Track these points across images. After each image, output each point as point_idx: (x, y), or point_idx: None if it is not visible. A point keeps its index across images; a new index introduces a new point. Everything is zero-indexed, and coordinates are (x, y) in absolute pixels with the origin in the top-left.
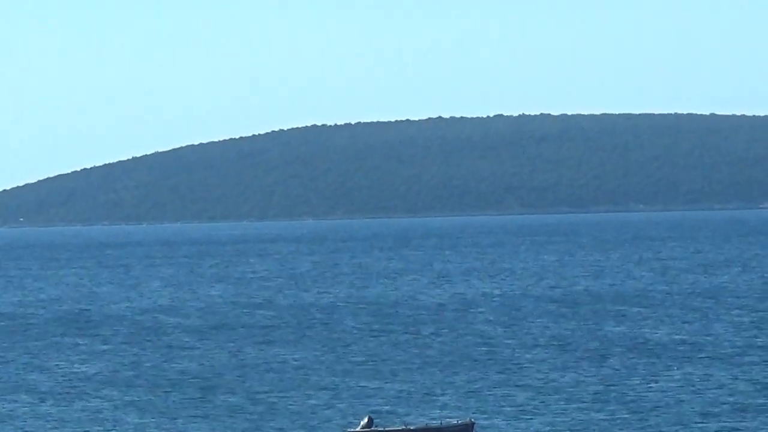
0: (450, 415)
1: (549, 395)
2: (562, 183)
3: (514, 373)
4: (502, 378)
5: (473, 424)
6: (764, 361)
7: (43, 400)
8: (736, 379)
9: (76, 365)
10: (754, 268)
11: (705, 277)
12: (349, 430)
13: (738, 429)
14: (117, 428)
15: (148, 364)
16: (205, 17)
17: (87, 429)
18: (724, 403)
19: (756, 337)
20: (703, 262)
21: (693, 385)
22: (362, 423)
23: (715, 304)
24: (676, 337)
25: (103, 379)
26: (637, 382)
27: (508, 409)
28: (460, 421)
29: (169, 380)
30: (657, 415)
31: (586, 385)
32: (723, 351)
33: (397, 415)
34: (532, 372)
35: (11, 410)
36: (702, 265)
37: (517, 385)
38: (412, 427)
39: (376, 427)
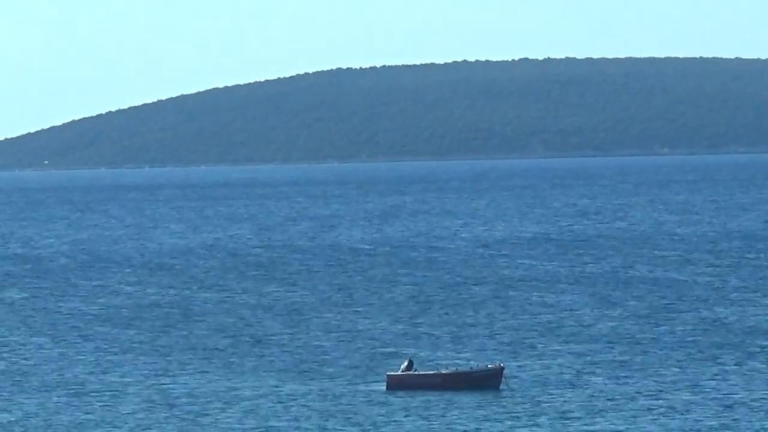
0: (479, 358)
1: (575, 337)
2: (587, 127)
3: (540, 315)
4: (528, 321)
5: (503, 368)
6: None
7: (53, 340)
8: (750, 319)
9: (93, 306)
10: None
11: (727, 220)
12: (389, 372)
13: (748, 371)
14: (133, 369)
15: (170, 307)
16: None
17: (94, 369)
18: (735, 344)
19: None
20: (724, 205)
21: (706, 325)
22: (402, 366)
23: (738, 248)
24: (697, 278)
25: (120, 320)
26: (657, 322)
27: (535, 352)
28: (489, 366)
29: (191, 325)
30: (674, 356)
31: (610, 326)
32: (736, 293)
33: (426, 360)
34: (557, 314)
35: (20, 351)
36: (723, 209)
37: (545, 328)
38: (444, 371)
39: (414, 370)
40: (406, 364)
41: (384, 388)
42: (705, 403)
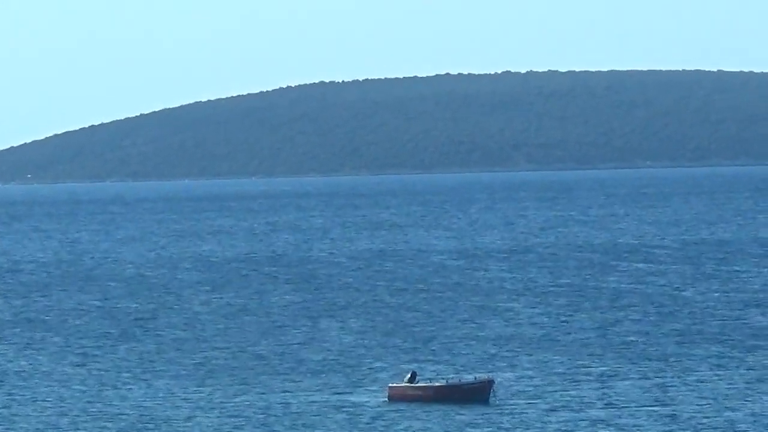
0: (468, 371)
1: (557, 348)
2: (570, 139)
3: (526, 326)
4: (515, 332)
5: (492, 381)
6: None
7: (38, 355)
8: (733, 329)
9: (77, 321)
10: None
11: (709, 232)
12: (392, 384)
13: (722, 379)
14: (123, 386)
15: (158, 320)
16: None
17: (77, 385)
18: (714, 354)
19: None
20: (707, 217)
21: (688, 334)
22: (406, 378)
23: (716, 259)
24: (681, 290)
25: (115, 335)
26: (638, 331)
27: (520, 363)
28: (479, 378)
29: (179, 338)
30: (654, 365)
31: (600, 340)
32: (712, 304)
33: (417, 370)
34: (543, 325)
35: (8, 367)
36: (706, 221)
37: (528, 339)
38: (436, 384)
39: (417, 382)
40: (409, 375)
41: (385, 399)
42: (693, 410)
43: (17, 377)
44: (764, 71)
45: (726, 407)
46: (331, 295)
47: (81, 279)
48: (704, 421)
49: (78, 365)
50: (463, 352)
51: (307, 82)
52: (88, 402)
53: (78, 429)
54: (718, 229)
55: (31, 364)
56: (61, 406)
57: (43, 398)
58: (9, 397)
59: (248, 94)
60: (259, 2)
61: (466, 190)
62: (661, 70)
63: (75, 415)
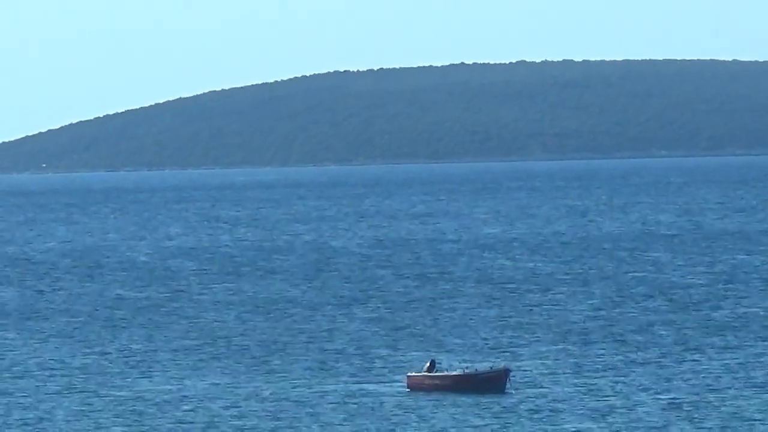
0: (485, 360)
1: (576, 338)
2: (585, 129)
3: (539, 315)
4: (528, 321)
5: (508, 370)
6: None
7: (46, 344)
8: (746, 318)
9: (87, 309)
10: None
11: (723, 221)
12: (410, 373)
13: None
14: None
15: (169, 310)
16: None
17: (84, 374)
18: (728, 344)
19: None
20: (727, 206)
21: (706, 327)
22: (425, 366)
23: (729, 248)
24: (693, 279)
25: (125, 324)
26: (658, 326)
27: (535, 353)
28: (495, 367)
29: (189, 327)
30: (672, 351)
31: (612, 329)
32: (724, 294)
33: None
34: (556, 314)
35: (14, 355)
36: (720, 210)
37: (542, 328)
38: (452, 373)
39: (436, 371)
40: (428, 364)
41: (405, 388)
42: (709, 400)
43: (25, 365)
44: None
45: (740, 396)
46: (344, 285)
47: (93, 268)
48: (717, 410)
49: (86, 354)
50: (477, 341)
51: (322, 72)
52: (94, 391)
53: (84, 418)
54: (731, 218)
55: (39, 353)
56: (67, 395)
57: (49, 386)
58: (15, 386)
59: (263, 84)
60: None
61: (480, 179)
62: (675, 60)
63: (81, 404)
